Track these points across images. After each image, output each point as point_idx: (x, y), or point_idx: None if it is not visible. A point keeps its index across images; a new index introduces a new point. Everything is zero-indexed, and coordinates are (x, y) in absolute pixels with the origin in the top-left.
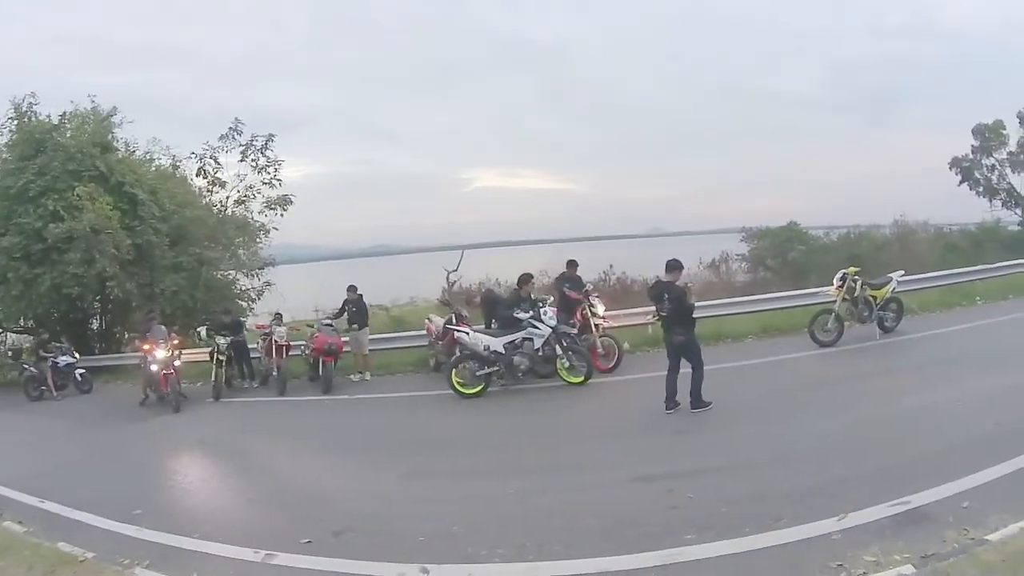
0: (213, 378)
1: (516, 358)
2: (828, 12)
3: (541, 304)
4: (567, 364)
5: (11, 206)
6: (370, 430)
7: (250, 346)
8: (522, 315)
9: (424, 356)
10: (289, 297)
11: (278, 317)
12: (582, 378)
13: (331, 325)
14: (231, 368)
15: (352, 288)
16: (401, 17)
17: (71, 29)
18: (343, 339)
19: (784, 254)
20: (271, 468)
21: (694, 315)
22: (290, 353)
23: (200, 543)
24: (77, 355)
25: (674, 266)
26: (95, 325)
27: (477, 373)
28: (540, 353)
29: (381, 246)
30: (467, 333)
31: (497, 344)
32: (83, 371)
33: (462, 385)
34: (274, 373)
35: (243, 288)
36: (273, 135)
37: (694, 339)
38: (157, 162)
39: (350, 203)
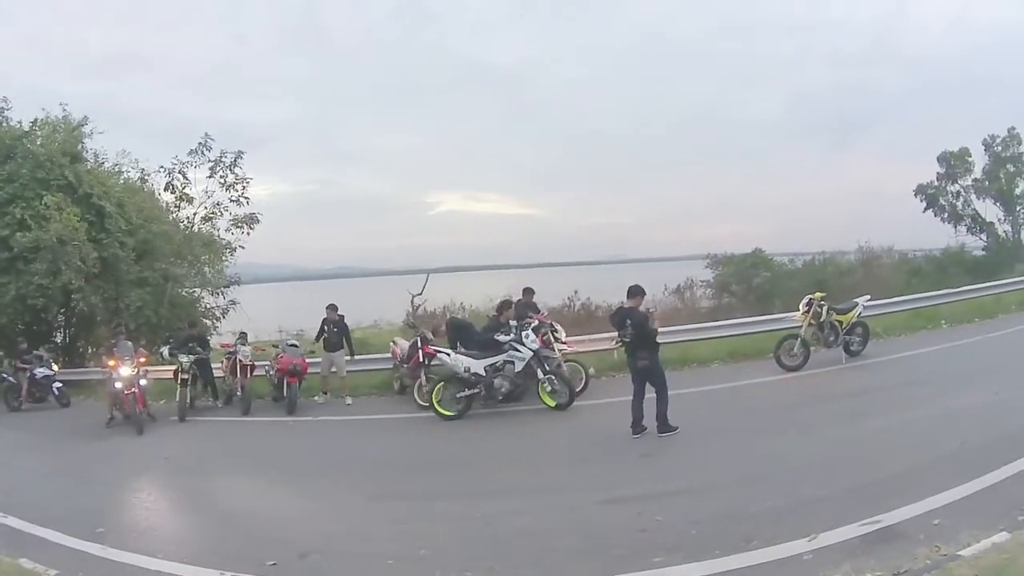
0: (178, 398)
1: (497, 380)
2: (789, 40)
3: (525, 326)
4: (549, 388)
5: None
6: (336, 452)
7: (213, 365)
8: (503, 338)
9: (388, 379)
10: (254, 317)
11: (243, 336)
12: (557, 403)
13: (296, 345)
14: (195, 387)
15: (332, 307)
16: (363, 36)
17: (41, 33)
18: (316, 359)
19: (749, 280)
20: (236, 489)
21: (658, 340)
22: (254, 373)
23: (164, 563)
24: (56, 367)
25: (636, 292)
26: (59, 338)
27: (457, 395)
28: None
29: (345, 267)
30: (448, 354)
31: (478, 366)
32: (60, 384)
33: (441, 405)
34: (238, 393)
35: (208, 306)
36: (242, 152)
37: (658, 364)
38: (125, 175)
39: (315, 223)
